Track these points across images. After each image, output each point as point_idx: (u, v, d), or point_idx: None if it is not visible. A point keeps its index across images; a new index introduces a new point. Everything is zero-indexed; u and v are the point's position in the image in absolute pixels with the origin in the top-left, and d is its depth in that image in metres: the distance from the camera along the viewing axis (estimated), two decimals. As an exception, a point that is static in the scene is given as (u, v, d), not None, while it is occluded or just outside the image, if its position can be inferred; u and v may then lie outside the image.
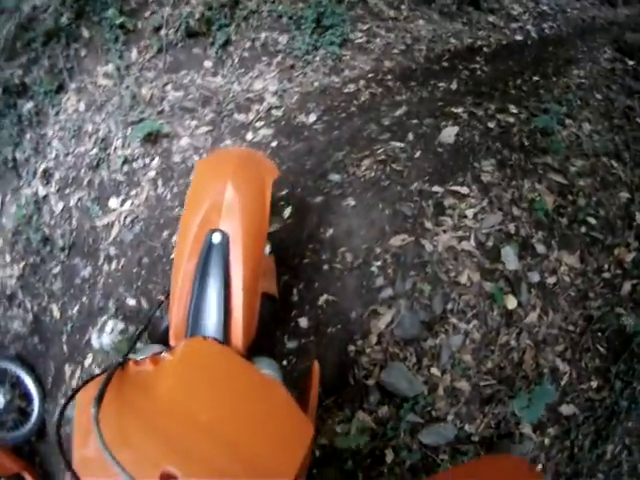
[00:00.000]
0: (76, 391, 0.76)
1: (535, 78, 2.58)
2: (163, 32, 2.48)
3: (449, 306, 1.59)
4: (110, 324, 1.82)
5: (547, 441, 1.62)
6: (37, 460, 1.79)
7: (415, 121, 2.02)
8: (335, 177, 1.81)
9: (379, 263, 1.60)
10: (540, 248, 1.79)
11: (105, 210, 2.14)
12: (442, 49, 2.69)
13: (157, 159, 2.23)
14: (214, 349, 0.93)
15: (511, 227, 1.75)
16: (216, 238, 0.99)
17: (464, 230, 1.67)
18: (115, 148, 2.28)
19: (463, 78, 2.36)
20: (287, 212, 1.77)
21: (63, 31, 2.46)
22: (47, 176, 2.29)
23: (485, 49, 2.85)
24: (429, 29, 2.75)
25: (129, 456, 0.68)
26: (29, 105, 2.44)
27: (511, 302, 1.66)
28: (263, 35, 2.53)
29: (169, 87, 2.44)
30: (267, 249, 1.47)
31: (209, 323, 0.98)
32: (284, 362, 1.57)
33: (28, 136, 2.40)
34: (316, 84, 2.31)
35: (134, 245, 2.02)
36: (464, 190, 1.74)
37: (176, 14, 2.46)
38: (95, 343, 1.81)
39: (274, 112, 2.23)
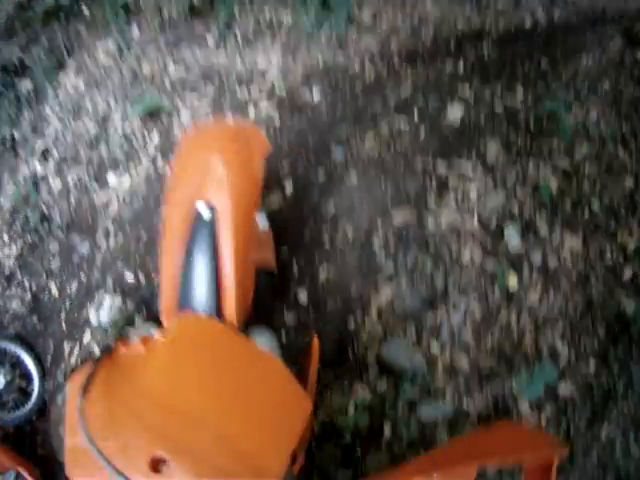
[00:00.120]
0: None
1: (543, 63, 2.63)
2: (165, 9, 2.52)
3: (450, 283, 1.65)
4: (108, 300, 1.86)
5: (544, 420, 1.69)
6: (39, 439, 1.84)
7: (421, 101, 2.08)
8: (338, 154, 1.87)
9: (381, 239, 1.67)
10: (543, 230, 1.86)
11: (104, 187, 2.18)
12: (449, 32, 2.73)
13: (157, 135, 2.28)
14: (206, 325, 0.95)
15: (515, 208, 1.82)
16: (204, 212, 1.00)
17: (467, 209, 1.73)
18: (114, 125, 2.32)
19: (470, 61, 2.41)
20: (289, 188, 1.83)
21: (63, 10, 2.52)
22: (45, 155, 2.34)
23: (493, 33, 2.90)
24: (437, 11, 2.79)
25: (117, 443, 0.70)
26: (28, 84, 2.49)
27: (513, 282, 1.73)
28: (267, 12, 2.58)
29: (170, 64, 2.48)
30: (264, 223, 1.51)
31: (200, 298, 0.99)
32: (283, 337, 1.63)
33: (26, 115, 2.45)
34: (320, 62, 2.35)
35: (133, 221, 2.07)
36: (468, 169, 1.80)
37: (178, -9, 2.50)
38: (93, 320, 1.86)
39: (277, 89, 2.27)
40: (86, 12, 2.57)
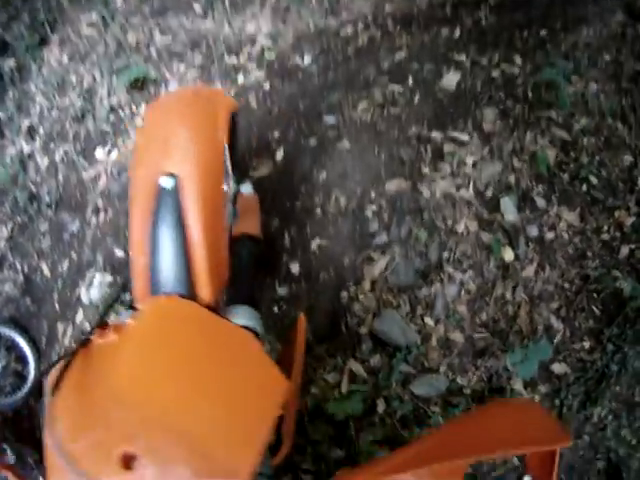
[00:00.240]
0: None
1: (542, 32, 2.65)
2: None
3: (445, 255, 1.67)
4: (98, 277, 1.89)
5: (537, 398, 1.74)
6: (36, 422, 1.85)
7: (415, 66, 2.07)
8: (330, 119, 1.86)
9: (374, 208, 1.67)
10: (540, 202, 1.89)
11: (91, 162, 2.20)
12: (445, -4, 2.74)
13: (144, 106, 2.27)
14: (176, 308, 0.91)
15: (511, 178, 1.84)
16: (166, 182, 0.96)
17: (463, 178, 1.75)
18: (100, 98, 2.34)
19: (467, 27, 2.41)
20: (279, 155, 1.82)
21: (44, -17, 2.50)
22: (32, 132, 2.36)
23: (491, 0, 2.92)
24: (432, -25, 2.79)
25: (88, 442, 0.69)
26: (10, 62, 2.50)
27: (508, 254, 1.75)
28: (256, -25, 2.54)
29: (156, 32, 2.50)
30: (249, 188, 1.49)
31: (170, 277, 0.96)
32: (275, 309, 1.64)
33: (11, 94, 2.46)
34: (312, 26, 2.33)
35: (122, 195, 2.07)
36: (464, 137, 1.81)
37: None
38: (84, 298, 1.88)
39: (267, 54, 2.26)
40: (68, -16, 2.55)
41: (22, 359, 1.90)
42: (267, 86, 2.15)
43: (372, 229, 1.65)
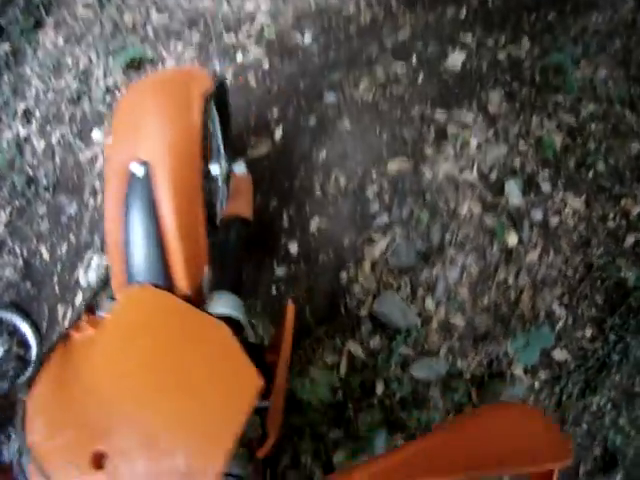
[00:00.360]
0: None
1: (551, 16, 2.70)
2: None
3: (447, 237, 1.72)
4: (96, 259, 1.95)
5: (537, 385, 1.79)
6: None
7: (419, 45, 2.11)
8: (330, 98, 1.90)
9: (375, 188, 1.72)
10: (545, 187, 1.94)
11: (88, 143, 2.25)
12: (451, -24, 2.79)
13: None
14: (150, 299, 0.92)
15: (516, 162, 1.89)
16: (137, 169, 0.98)
17: (466, 160, 1.80)
18: (96, 79, 2.39)
19: (473, 7, 2.46)
20: (278, 134, 1.86)
21: (38, -34, 2.55)
22: (28, 116, 2.42)
23: (498, -18, 2.97)
24: (437, -46, 2.84)
25: (60, 440, 0.71)
26: (5, 46, 2.55)
27: (512, 239, 1.81)
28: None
29: (153, 11, 2.53)
30: (242, 168, 1.51)
31: (144, 267, 0.97)
32: (273, 290, 1.69)
33: (6, 78, 2.52)
34: (312, 4, 2.36)
35: None
36: (469, 118, 1.86)
37: None
38: (82, 281, 1.94)
39: (266, 32, 2.28)
40: (63, -34, 2.60)
41: (24, 343, 1.95)
42: (266, 65, 2.19)
43: (373, 210, 1.70)
